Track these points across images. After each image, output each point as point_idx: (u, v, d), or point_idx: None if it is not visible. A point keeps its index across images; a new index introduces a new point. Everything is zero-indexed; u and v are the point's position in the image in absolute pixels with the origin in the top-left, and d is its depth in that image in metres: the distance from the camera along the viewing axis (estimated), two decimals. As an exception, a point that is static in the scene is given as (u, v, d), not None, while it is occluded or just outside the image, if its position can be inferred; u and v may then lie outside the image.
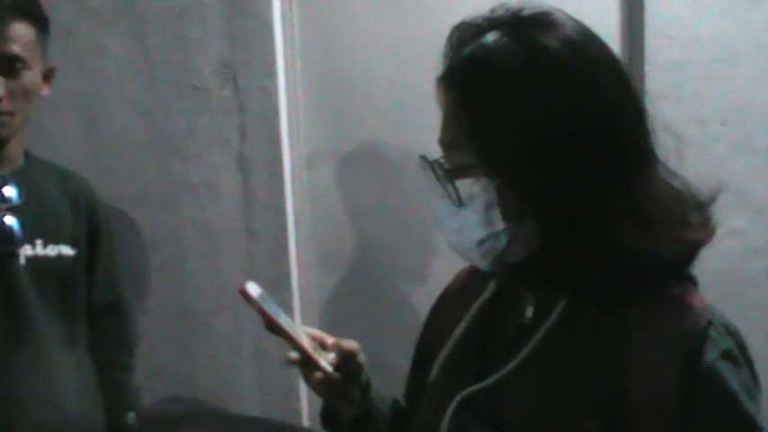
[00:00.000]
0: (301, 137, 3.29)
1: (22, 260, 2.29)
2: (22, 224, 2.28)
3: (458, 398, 1.36)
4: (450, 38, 1.33)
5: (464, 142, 1.27)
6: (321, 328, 3.30)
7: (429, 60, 3.32)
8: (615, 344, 1.25)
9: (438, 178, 1.34)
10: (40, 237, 2.32)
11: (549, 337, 1.31)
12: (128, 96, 3.22)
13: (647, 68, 3.06)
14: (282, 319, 1.43)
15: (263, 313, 1.41)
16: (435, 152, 3.26)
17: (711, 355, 1.22)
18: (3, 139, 2.26)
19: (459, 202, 1.32)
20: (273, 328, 1.43)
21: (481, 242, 1.30)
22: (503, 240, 1.30)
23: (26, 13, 2.26)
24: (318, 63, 3.29)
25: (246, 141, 3.19)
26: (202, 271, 3.25)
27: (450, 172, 1.32)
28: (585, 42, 1.27)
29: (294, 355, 1.46)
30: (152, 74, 3.22)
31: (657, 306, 1.25)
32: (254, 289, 1.40)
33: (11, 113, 2.22)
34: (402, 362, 3.25)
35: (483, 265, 1.34)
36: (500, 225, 1.30)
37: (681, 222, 1.28)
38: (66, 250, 2.37)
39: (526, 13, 1.29)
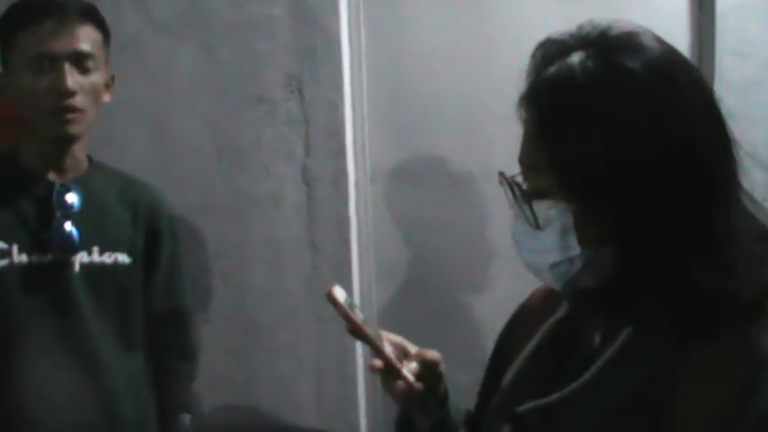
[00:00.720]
0: (366, 150, 3.30)
1: (76, 267, 2.31)
2: (78, 230, 2.31)
3: (518, 411, 1.36)
4: (534, 55, 1.31)
5: (543, 165, 1.25)
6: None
7: (495, 76, 3.33)
8: (674, 373, 1.23)
9: (515, 198, 1.32)
10: (96, 244, 2.34)
11: (612, 362, 1.29)
12: (195, 107, 3.25)
13: (718, 87, 3.01)
14: (367, 326, 1.42)
15: (347, 318, 1.40)
16: (499, 167, 3.25)
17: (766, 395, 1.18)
18: (71, 137, 2.29)
19: (536, 226, 1.30)
20: (357, 333, 1.42)
21: (555, 265, 1.29)
22: (577, 265, 1.28)
23: (92, 18, 2.31)
24: (384, 77, 3.29)
25: (311, 154, 3.20)
26: (265, 282, 3.26)
27: (527, 194, 1.30)
28: (673, 67, 1.24)
29: (377, 363, 1.45)
30: (220, 85, 3.25)
31: (723, 342, 1.22)
32: (340, 293, 1.40)
33: (81, 111, 2.25)
34: (461, 375, 3.23)
35: (556, 286, 1.33)
36: (575, 250, 1.28)
37: (761, 261, 1.24)
38: (123, 258, 2.38)
39: (613, 33, 1.26)
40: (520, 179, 1.32)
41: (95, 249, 2.34)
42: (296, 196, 3.23)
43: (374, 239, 3.33)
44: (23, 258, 2.27)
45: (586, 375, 1.30)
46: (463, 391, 3.37)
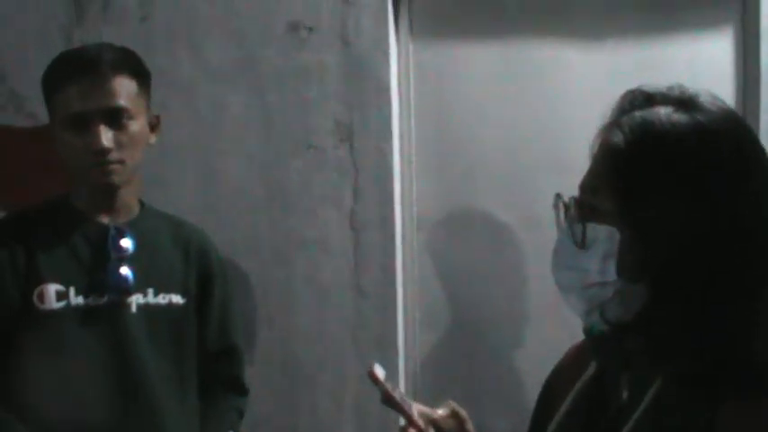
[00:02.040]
0: (414, 197, 3.34)
1: (133, 309, 2.36)
2: (133, 272, 2.35)
3: None
4: (623, 98, 1.38)
5: (606, 191, 1.31)
6: (422, 386, 3.33)
7: (541, 128, 3.36)
8: (707, 427, 1.24)
9: (567, 217, 1.37)
10: (151, 286, 2.38)
11: (645, 419, 1.31)
12: (245, 151, 3.30)
13: (765, 117, 3.04)
14: (401, 398, 1.50)
15: (385, 392, 1.48)
16: (542, 218, 3.25)
17: None
18: (115, 186, 2.34)
19: (582, 245, 1.34)
20: (391, 403, 1.49)
21: (588, 287, 1.32)
22: (609, 292, 1.32)
23: (126, 68, 2.34)
24: (432, 126, 3.34)
25: (359, 200, 3.25)
26: (309, 325, 3.30)
27: (583, 214, 1.35)
28: (752, 138, 1.33)
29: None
30: (270, 131, 3.30)
31: (754, 393, 1.24)
32: (380, 371, 1.48)
33: (121, 162, 2.30)
34: (501, 424, 3.26)
35: (577, 310, 1.36)
36: (612, 277, 1.32)
37: None
38: (177, 299, 2.42)
39: (701, 99, 1.33)
40: (577, 201, 1.37)
41: (150, 291, 2.38)
42: (342, 241, 3.27)
43: (419, 286, 3.36)
44: (80, 300, 2.31)
45: None
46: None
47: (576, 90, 3.27)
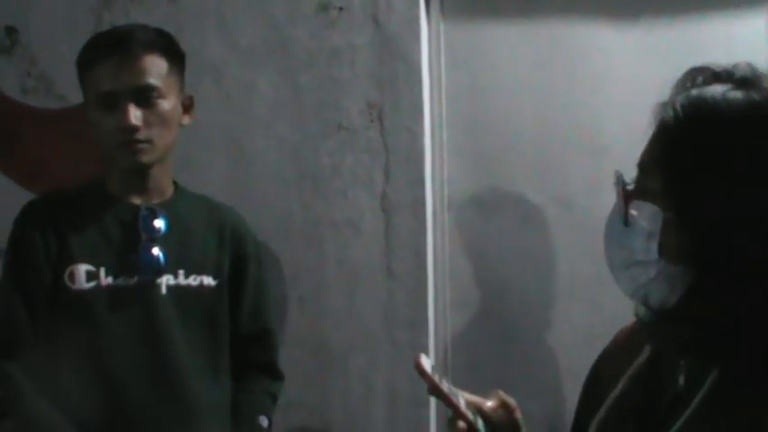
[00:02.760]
0: (444, 179, 3.33)
1: (163, 290, 2.37)
2: (164, 253, 2.36)
3: None
4: (686, 75, 1.34)
5: (655, 170, 1.29)
6: (456, 370, 3.33)
7: (572, 108, 3.33)
8: (759, 424, 1.22)
9: (619, 194, 1.35)
10: (182, 267, 2.39)
11: (700, 411, 1.28)
12: (275, 133, 3.30)
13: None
14: (447, 388, 1.48)
15: (432, 384, 1.46)
16: (574, 199, 3.23)
17: None
18: (144, 165, 2.34)
19: (625, 222, 1.32)
20: (435, 391, 1.47)
21: (629, 264, 1.31)
22: (651, 272, 1.30)
23: (157, 47, 2.35)
24: (463, 107, 3.32)
25: (390, 182, 3.24)
26: (340, 307, 3.30)
27: (632, 192, 1.33)
28: None
29: (461, 424, 1.47)
30: (300, 112, 3.30)
31: None
32: (426, 363, 1.46)
33: (149, 141, 2.30)
34: (535, 407, 3.25)
35: (625, 289, 1.35)
36: (654, 256, 1.30)
37: None
38: (209, 280, 2.42)
39: (762, 78, 1.30)
40: (629, 180, 1.35)
41: (181, 272, 2.39)
42: (374, 223, 3.27)
43: (450, 268, 3.35)
44: (110, 281, 2.33)
45: (679, 424, 1.29)
46: (535, 420, 3.38)
47: (610, 70, 3.24)
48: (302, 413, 3.32)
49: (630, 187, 1.33)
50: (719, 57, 3.29)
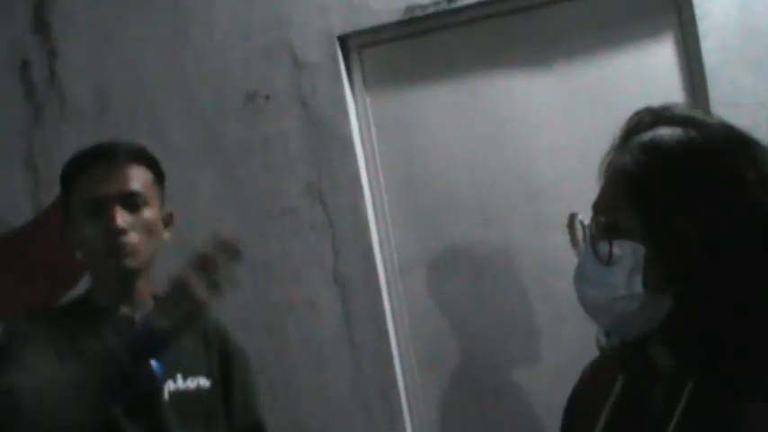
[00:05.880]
0: (392, 246, 3.39)
1: (165, 396, 2.38)
2: (160, 361, 2.38)
3: None
4: (630, 120, 1.45)
5: (626, 208, 1.39)
6: (433, 428, 3.33)
7: (504, 158, 3.40)
8: (735, 427, 1.30)
9: (589, 236, 1.43)
10: (179, 371, 2.41)
11: (682, 424, 1.35)
12: (220, 227, 3.32)
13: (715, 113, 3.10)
14: None
15: None
16: (519, 242, 3.26)
17: None
18: (131, 271, 2.37)
19: (608, 261, 1.39)
20: None
21: (617, 300, 1.37)
22: (636, 305, 1.37)
23: (142, 158, 2.42)
24: (401, 173, 3.41)
25: (340, 257, 3.29)
26: (310, 387, 3.32)
27: (606, 231, 1.41)
28: (746, 143, 1.40)
29: None
30: (242, 202, 3.36)
31: None
32: None
33: (135, 247, 2.34)
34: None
35: (605, 325, 1.41)
36: (639, 290, 1.37)
37: None
38: (204, 382, 2.45)
39: (697, 115, 1.42)
40: (588, 221, 1.44)
41: (179, 377, 2.41)
42: (330, 300, 3.31)
43: (411, 330, 3.39)
44: None
45: None
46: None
47: (534, 116, 3.33)
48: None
49: (592, 228, 1.43)
50: (633, 89, 3.39)
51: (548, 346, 3.31)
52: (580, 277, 1.45)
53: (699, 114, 1.43)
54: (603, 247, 1.40)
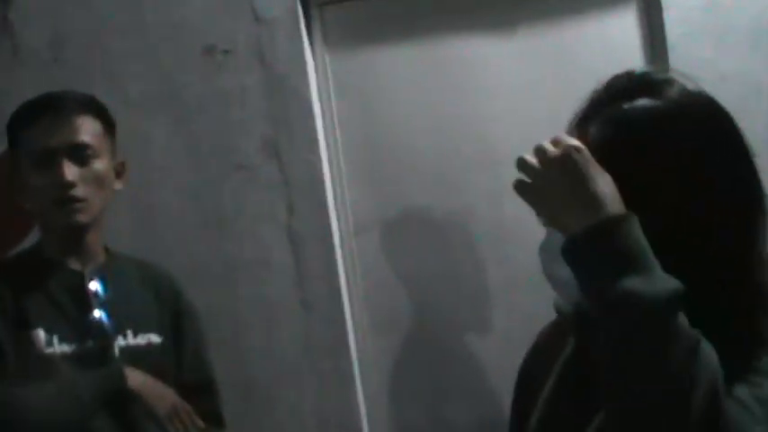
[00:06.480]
0: (348, 205, 3.37)
1: (116, 351, 2.36)
2: (111, 316, 2.35)
3: None
4: (605, 88, 1.41)
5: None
6: (383, 390, 3.35)
7: (464, 122, 3.40)
8: None
9: None
10: (129, 327, 2.40)
11: None
12: (174, 180, 3.31)
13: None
14: None
15: None
16: (476, 208, 3.27)
17: None
18: (80, 225, 2.34)
19: None
20: None
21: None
22: None
23: (90, 108, 2.39)
24: (357, 132, 3.38)
25: (294, 214, 3.27)
26: (261, 345, 3.31)
27: None
28: (714, 105, 1.38)
29: None
30: (197, 156, 3.32)
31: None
32: None
33: (84, 200, 2.30)
34: (466, 416, 3.30)
35: (571, 299, 1.38)
36: None
37: None
38: (155, 338, 2.44)
39: (674, 83, 1.38)
40: None
41: (129, 333, 2.40)
42: (283, 257, 3.29)
43: (364, 291, 3.39)
44: (65, 348, 2.31)
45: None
46: (470, 429, 3.42)
47: (495, 81, 3.32)
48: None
49: None
50: (596, 56, 3.40)
51: (500, 312, 3.33)
52: (548, 252, 1.42)
53: (671, 81, 1.38)
54: None
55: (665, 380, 1.15)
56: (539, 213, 1.36)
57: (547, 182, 1.27)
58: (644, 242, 1.20)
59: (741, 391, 1.22)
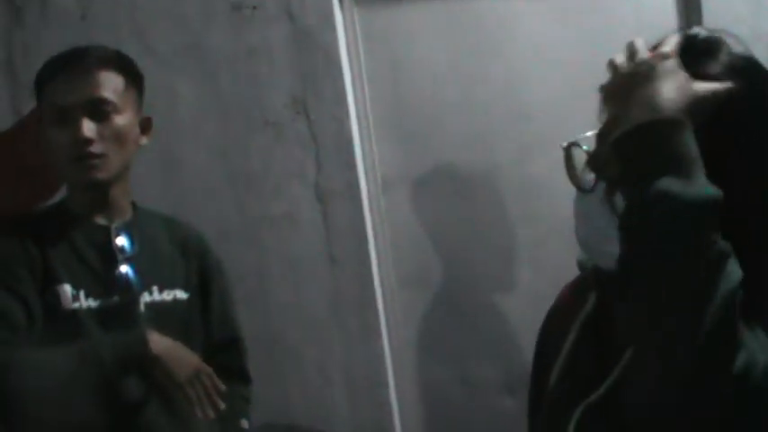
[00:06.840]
0: (376, 162, 3.37)
1: (141, 307, 2.36)
2: (137, 272, 2.35)
3: (581, 407, 1.39)
4: (683, 43, 1.34)
5: None
6: (410, 346, 3.36)
7: (495, 80, 3.37)
8: None
9: (605, 185, 1.36)
10: (156, 284, 2.38)
11: None
12: (202, 136, 3.31)
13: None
14: None
15: None
16: (504, 166, 3.26)
17: None
18: (99, 182, 2.32)
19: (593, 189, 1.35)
20: None
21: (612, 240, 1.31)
22: None
23: (113, 63, 2.34)
24: (386, 89, 3.36)
25: (322, 171, 3.27)
26: (288, 301, 3.32)
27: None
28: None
29: None
30: (225, 112, 3.31)
31: None
32: None
33: (103, 156, 2.28)
34: (492, 372, 3.31)
35: (602, 262, 1.36)
36: None
37: None
38: (181, 294, 2.43)
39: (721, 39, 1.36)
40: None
41: (155, 289, 2.38)
42: (311, 213, 3.29)
43: (392, 248, 3.39)
44: (91, 303, 2.29)
45: (629, 353, 1.33)
46: (493, 384, 3.43)
47: (525, 38, 3.29)
48: (262, 410, 3.31)
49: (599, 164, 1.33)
50: (628, 12, 3.36)
51: (527, 268, 3.32)
52: (584, 217, 1.38)
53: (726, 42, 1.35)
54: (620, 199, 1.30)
55: (688, 288, 1.15)
56: (610, 112, 1.32)
57: (627, 81, 1.26)
58: (692, 149, 1.19)
59: (754, 323, 1.22)
